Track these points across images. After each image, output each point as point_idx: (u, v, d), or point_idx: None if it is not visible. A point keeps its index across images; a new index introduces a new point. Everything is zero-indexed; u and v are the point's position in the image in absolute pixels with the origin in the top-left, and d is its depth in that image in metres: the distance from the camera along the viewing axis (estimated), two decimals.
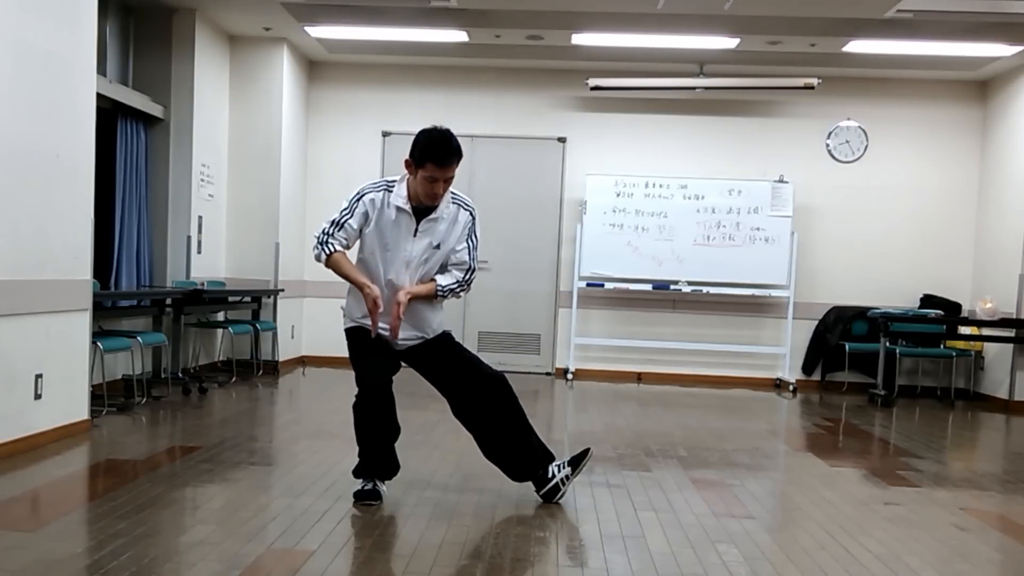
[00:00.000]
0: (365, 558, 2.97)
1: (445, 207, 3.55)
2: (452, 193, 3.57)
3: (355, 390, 3.58)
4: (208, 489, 3.78)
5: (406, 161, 3.47)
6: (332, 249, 3.53)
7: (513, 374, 3.73)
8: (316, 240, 3.56)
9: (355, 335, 3.65)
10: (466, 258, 3.62)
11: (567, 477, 3.71)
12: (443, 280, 3.59)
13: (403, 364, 3.72)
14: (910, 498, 4.10)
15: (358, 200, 3.53)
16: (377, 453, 3.64)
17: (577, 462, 3.75)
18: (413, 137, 3.48)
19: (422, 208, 3.52)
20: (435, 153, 3.39)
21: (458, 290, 3.61)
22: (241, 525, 3.24)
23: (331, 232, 3.54)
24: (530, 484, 3.75)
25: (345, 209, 3.54)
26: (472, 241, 3.63)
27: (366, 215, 3.52)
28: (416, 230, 3.52)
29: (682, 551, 3.16)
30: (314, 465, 4.26)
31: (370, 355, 3.58)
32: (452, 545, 3.12)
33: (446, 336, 3.73)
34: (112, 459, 4.27)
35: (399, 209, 3.50)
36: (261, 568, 2.80)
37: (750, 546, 3.25)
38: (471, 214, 3.63)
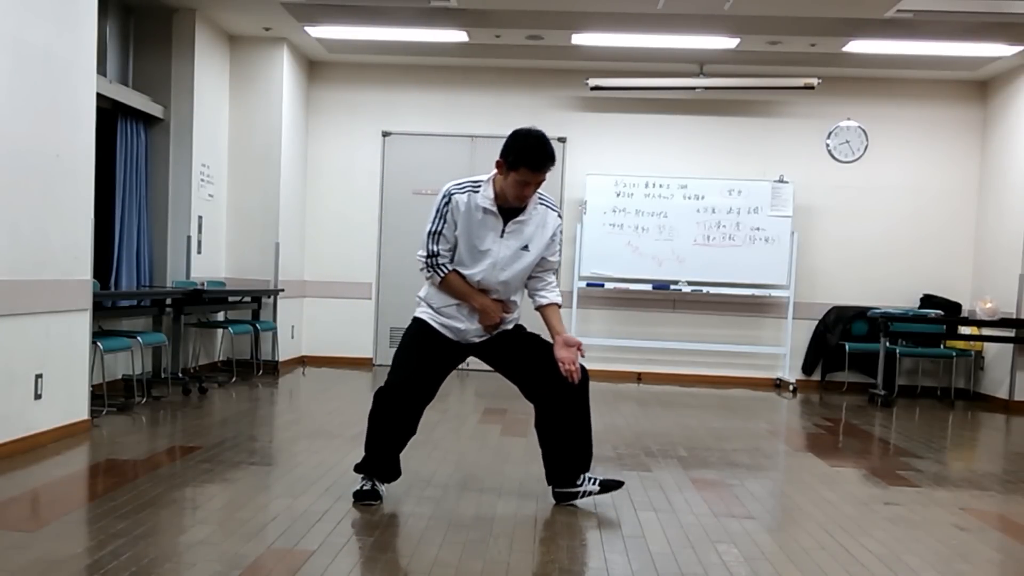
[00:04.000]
0: (365, 558, 2.97)
1: (532, 208, 3.52)
2: (539, 194, 3.54)
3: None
4: (208, 489, 3.78)
5: (497, 162, 3.42)
6: (445, 272, 3.50)
7: None
8: (423, 262, 3.51)
9: (420, 329, 3.60)
10: (557, 260, 3.65)
11: (587, 493, 3.68)
12: (557, 296, 3.64)
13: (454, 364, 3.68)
14: (910, 498, 4.10)
15: (446, 204, 3.47)
16: (382, 453, 3.62)
17: (607, 487, 3.70)
18: (505, 138, 3.41)
19: (509, 209, 3.47)
20: (531, 159, 3.34)
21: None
22: (241, 525, 3.24)
23: (436, 250, 3.49)
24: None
25: (436, 216, 3.48)
26: (561, 245, 3.66)
27: (455, 219, 3.47)
28: (503, 231, 3.48)
29: (682, 551, 3.16)
30: (314, 465, 4.26)
31: (420, 360, 3.55)
32: (452, 545, 3.12)
33: (520, 327, 3.72)
34: (112, 459, 4.27)
35: (486, 211, 3.45)
36: (261, 568, 2.80)
37: (750, 546, 3.25)
38: (559, 215, 3.63)
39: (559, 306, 3.65)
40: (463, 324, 3.56)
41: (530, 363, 3.60)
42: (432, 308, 3.59)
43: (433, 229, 3.49)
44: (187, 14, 7.09)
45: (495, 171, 3.46)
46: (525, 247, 3.51)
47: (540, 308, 3.65)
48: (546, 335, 3.63)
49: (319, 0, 6.77)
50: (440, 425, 5.40)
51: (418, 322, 3.62)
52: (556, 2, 6.60)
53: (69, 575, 2.67)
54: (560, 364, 3.51)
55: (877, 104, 8.42)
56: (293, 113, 8.23)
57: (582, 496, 3.68)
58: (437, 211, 3.49)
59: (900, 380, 8.05)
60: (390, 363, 3.65)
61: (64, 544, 2.96)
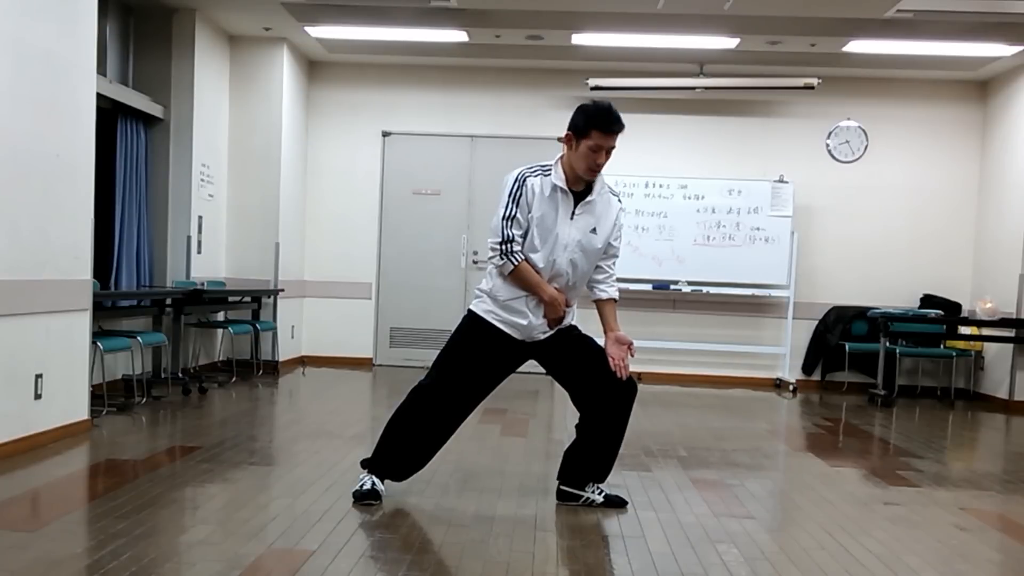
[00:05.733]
0: (365, 558, 2.97)
1: (599, 187, 3.52)
2: (604, 181, 3.55)
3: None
4: (208, 489, 3.78)
5: (566, 135, 3.43)
6: (519, 259, 3.45)
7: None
8: (498, 249, 3.46)
9: (479, 327, 3.54)
10: (619, 248, 3.65)
11: (589, 501, 3.67)
12: (615, 291, 3.68)
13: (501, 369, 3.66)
14: (910, 498, 4.10)
15: (519, 188, 3.45)
16: (401, 454, 3.60)
17: (610, 502, 3.69)
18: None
19: (576, 192, 3.48)
20: (601, 121, 3.36)
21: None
22: (241, 525, 3.24)
23: (511, 234, 3.44)
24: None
25: (509, 201, 3.44)
26: (621, 233, 3.66)
27: (528, 202, 3.44)
28: (573, 213, 3.47)
29: (682, 551, 3.16)
30: (314, 465, 4.26)
31: (475, 361, 3.53)
32: (452, 545, 3.12)
33: (575, 328, 3.72)
34: (112, 459, 4.27)
35: (559, 190, 3.44)
36: (261, 568, 2.80)
37: (750, 546, 3.25)
38: (620, 200, 3.64)
39: (616, 301, 3.67)
40: (527, 320, 3.51)
41: (585, 374, 3.60)
42: (498, 302, 3.52)
43: (507, 214, 3.44)
44: (187, 14, 7.09)
45: (561, 153, 3.47)
46: (594, 230, 3.51)
47: (597, 302, 3.68)
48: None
49: (319, 0, 6.78)
50: None
51: (476, 320, 3.55)
52: (556, 2, 6.60)
53: (69, 575, 2.67)
54: (609, 359, 3.55)
55: (877, 104, 8.42)
56: (293, 113, 8.23)
57: (583, 502, 3.67)
58: (509, 196, 3.45)
59: (900, 380, 8.05)
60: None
61: (64, 544, 2.96)
